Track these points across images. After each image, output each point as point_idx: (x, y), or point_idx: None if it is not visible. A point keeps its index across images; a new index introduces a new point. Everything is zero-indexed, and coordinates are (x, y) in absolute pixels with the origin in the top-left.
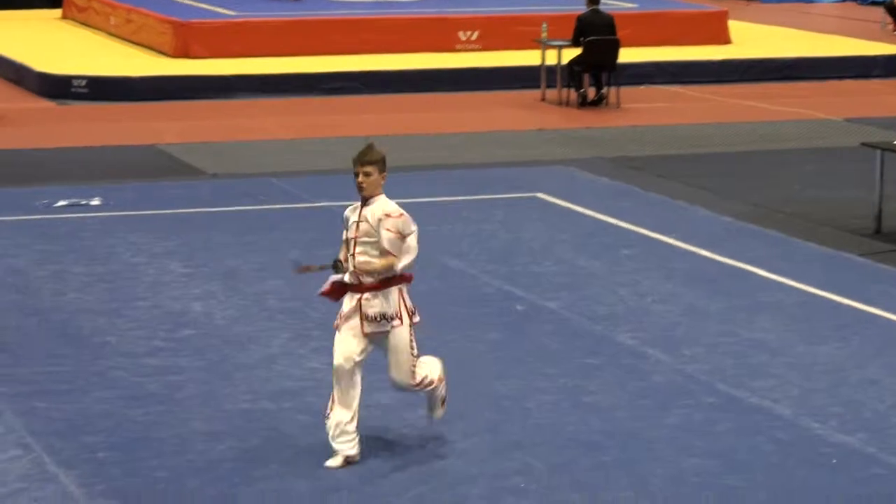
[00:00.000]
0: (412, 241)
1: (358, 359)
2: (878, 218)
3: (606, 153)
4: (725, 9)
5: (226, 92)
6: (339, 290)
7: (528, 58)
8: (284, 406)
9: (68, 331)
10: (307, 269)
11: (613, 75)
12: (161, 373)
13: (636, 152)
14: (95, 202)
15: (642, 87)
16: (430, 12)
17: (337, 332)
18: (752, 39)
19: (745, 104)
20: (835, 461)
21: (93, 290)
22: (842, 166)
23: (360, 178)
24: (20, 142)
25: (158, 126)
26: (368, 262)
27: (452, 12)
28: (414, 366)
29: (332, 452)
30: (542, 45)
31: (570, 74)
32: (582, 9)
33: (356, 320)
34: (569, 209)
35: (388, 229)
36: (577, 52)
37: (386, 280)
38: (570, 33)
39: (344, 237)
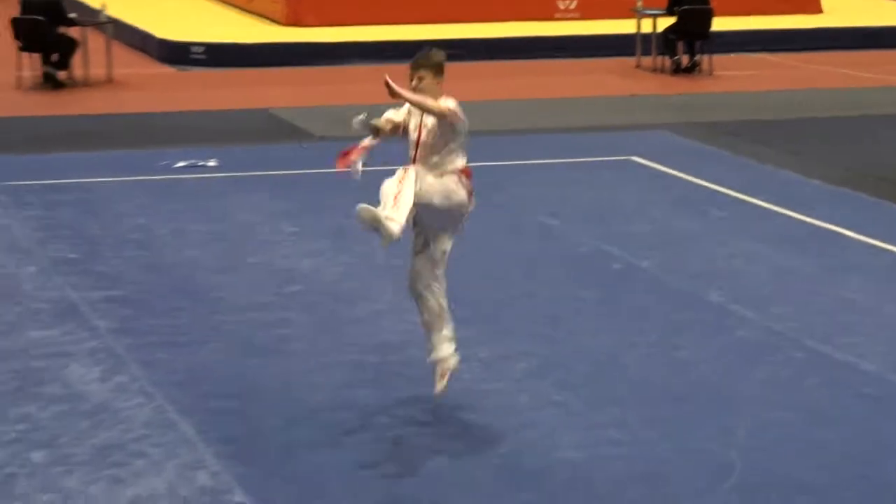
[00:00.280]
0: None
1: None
2: None
3: (699, 118)
4: None
5: (334, 58)
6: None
7: (624, 26)
8: (389, 359)
9: (186, 286)
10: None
11: (706, 43)
12: (271, 326)
13: (727, 117)
14: (212, 163)
15: (734, 55)
16: None
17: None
18: (841, 9)
19: (834, 71)
20: None
21: (209, 247)
22: None
23: (414, 83)
24: (143, 106)
25: (270, 91)
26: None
27: None
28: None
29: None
30: (638, 14)
31: (665, 42)
32: None
33: None
34: (662, 172)
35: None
36: (671, 20)
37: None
38: (665, 2)
39: (398, 119)
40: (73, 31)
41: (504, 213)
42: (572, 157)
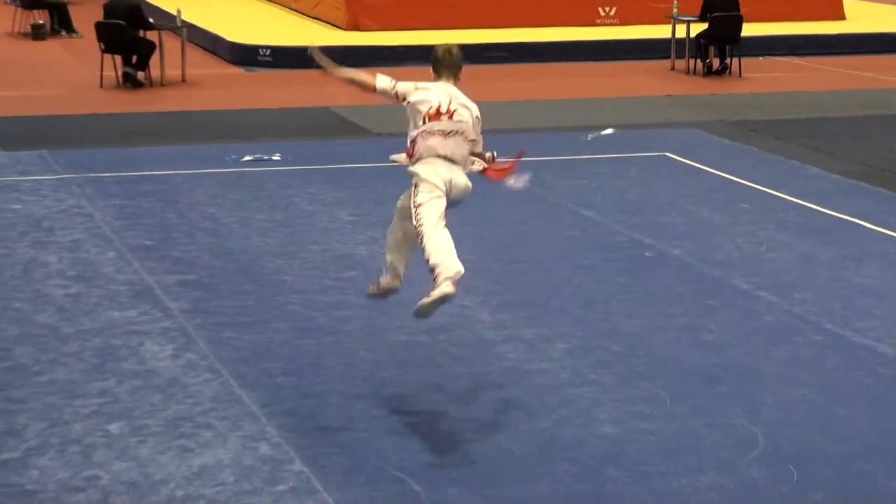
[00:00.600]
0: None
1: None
2: None
3: (728, 117)
4: None
5: (390, 61)
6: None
7: (660, 31)
8: (438, 339)
9: (252, 270)
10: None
11: (736, 47)
12: (330, 308)
13: (755, 117)
14: (276, 157)
15: (762, 59)
16: None
17: None
18: (864, 16)
19: (857, 74)
20: None
21: (273, 234)
22: None
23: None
24: (214, 103)
25: (331, 91)
26: None
27: None
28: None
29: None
30: (673, 20)
31: (697, 46)
32: None
33: None
34: (693, 167)
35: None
36: (703, 26)
37: None
38: (698, 9)
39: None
40: (151, 35)
41: (545, 205)
42: (609, 153)
